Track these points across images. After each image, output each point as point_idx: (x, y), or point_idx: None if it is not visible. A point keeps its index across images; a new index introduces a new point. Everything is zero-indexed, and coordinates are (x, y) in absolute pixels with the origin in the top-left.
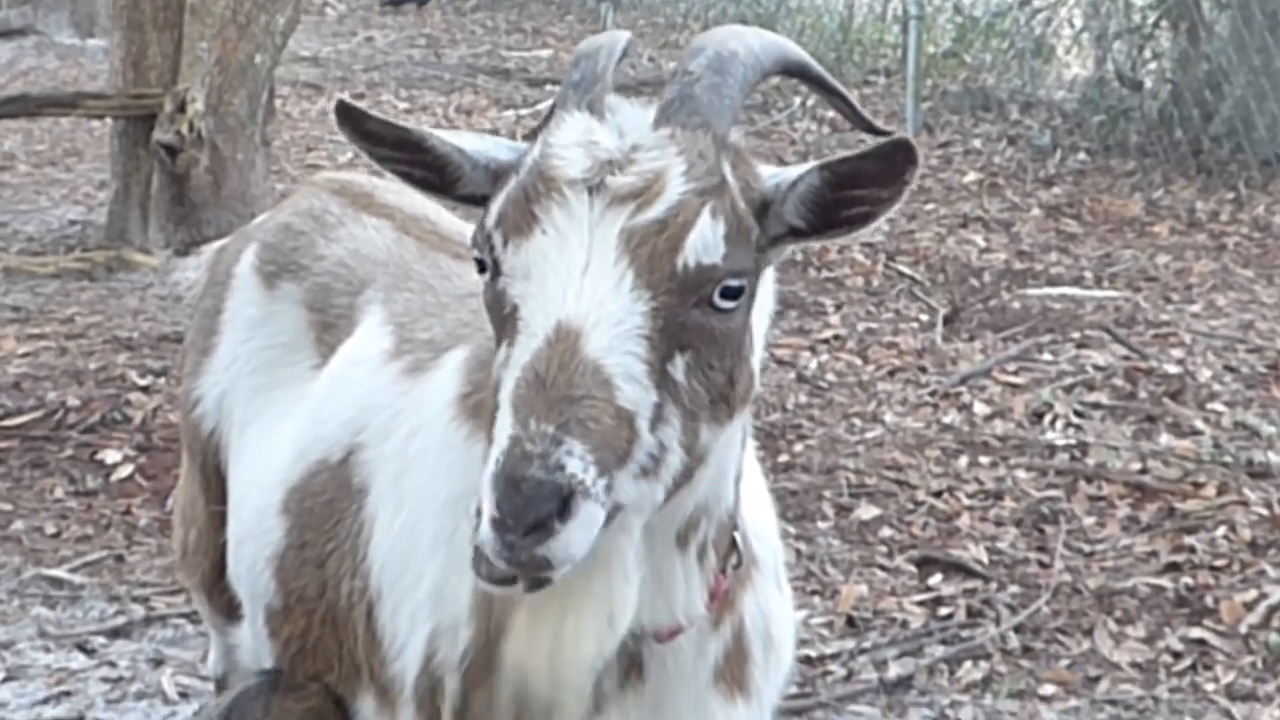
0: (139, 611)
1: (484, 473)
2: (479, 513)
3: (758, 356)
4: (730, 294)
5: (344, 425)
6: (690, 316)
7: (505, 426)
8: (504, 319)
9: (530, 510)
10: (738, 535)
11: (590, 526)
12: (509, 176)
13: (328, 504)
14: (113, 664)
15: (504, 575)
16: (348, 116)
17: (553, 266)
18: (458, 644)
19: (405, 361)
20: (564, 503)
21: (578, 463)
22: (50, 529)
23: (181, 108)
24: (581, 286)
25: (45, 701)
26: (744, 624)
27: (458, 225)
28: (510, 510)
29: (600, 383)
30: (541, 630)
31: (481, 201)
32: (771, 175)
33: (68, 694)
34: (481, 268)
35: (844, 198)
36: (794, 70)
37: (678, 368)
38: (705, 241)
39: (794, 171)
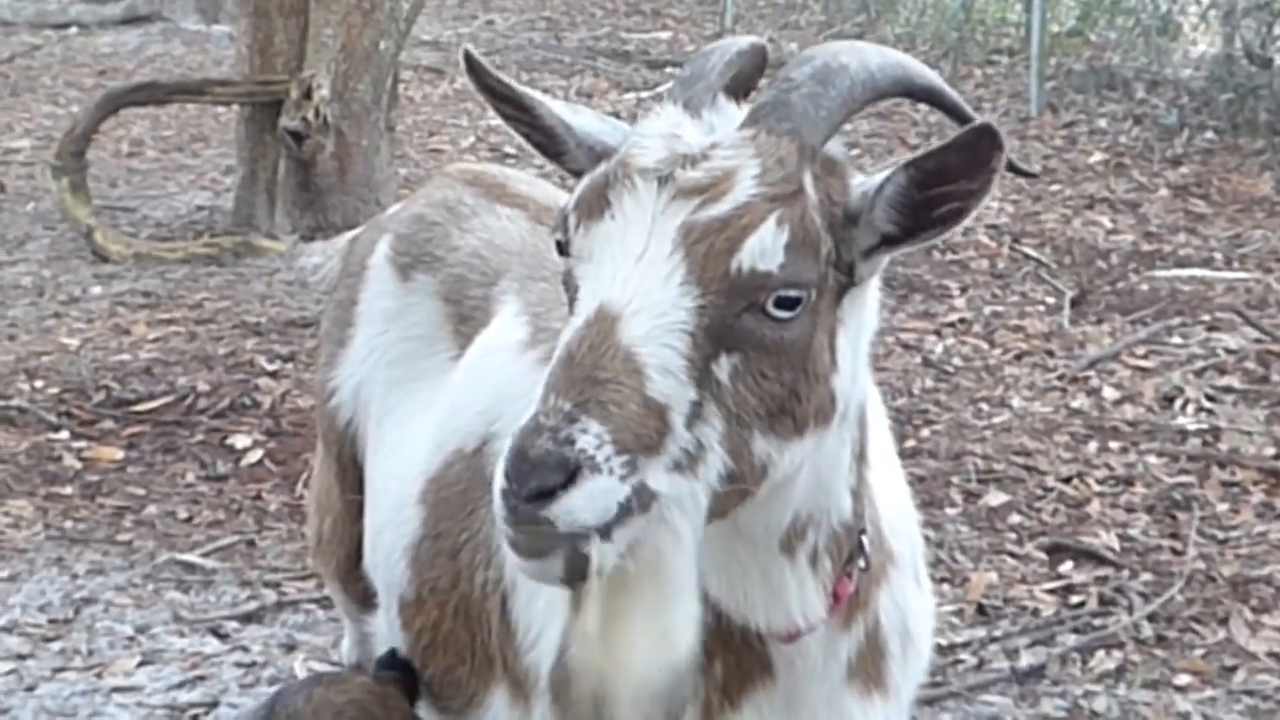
0: (271, 596)
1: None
2: None
3: (847, 375)
4: (785, 304)
5: (479, 415)
6: (741, 320)
7: (533, 404)
8: (571, 300)
9: (533, 478)
10: (865, 539)
11: (600, 497)
12: (602, 161)
13: (462, 494)
14: (245, 649)
15: (535, 550)
16: (472, 68)
17: (612, 251)
18: None
19: (541, 351)
20: (570, 476)
21: (590, 439)
22: (182, 514)
23: (307, 94)
24: (631, 273)
25: (180, 686)
26: (879, 622)
27: None
28: (515, 477)
29: (630, 370)
30: (599, 638)
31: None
32: (859, 184)
33: (202, 678)
34: (560, 249)
35: (933, 196)
36: (919, 94)
37: (723, 369)
38: (764, 247)
39: (880, 176)
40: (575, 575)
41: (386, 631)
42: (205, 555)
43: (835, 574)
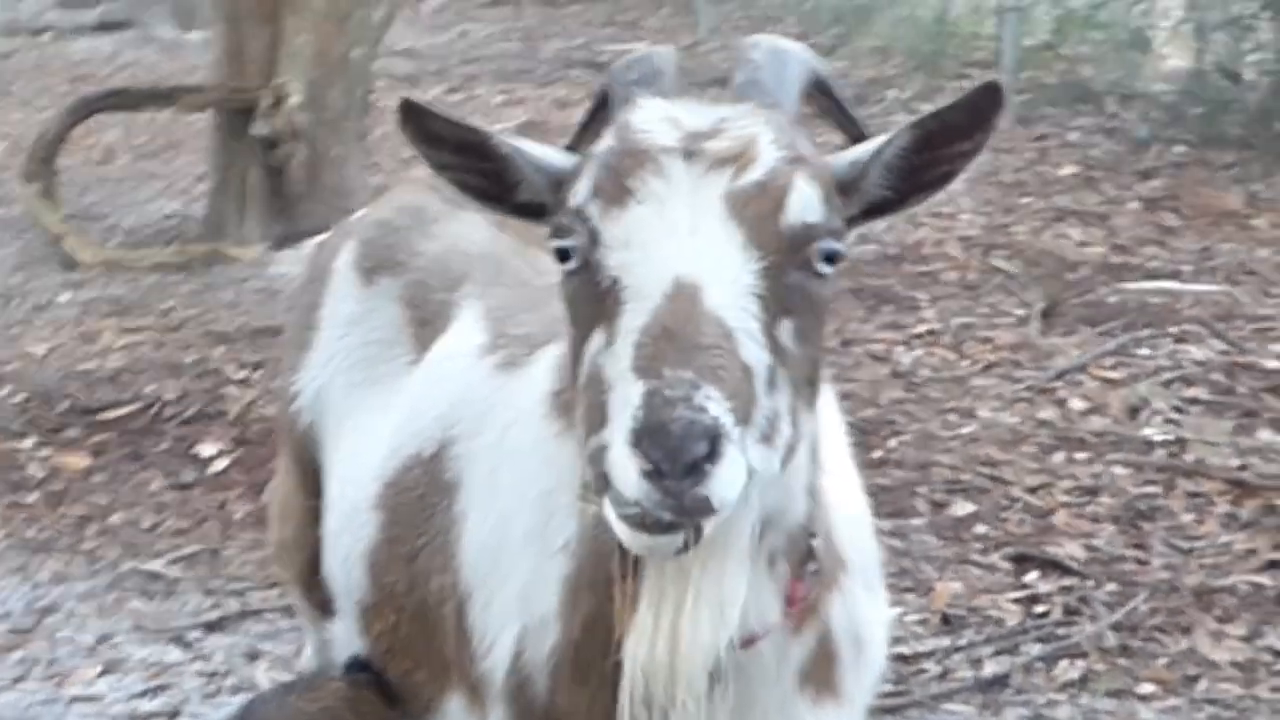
0: (234, 605)
1: (616, 438)
2: (603, 482)
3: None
4: (828, 257)
5: (438, 420)
6: (794, 279)
7: (633, 388)
8: (599, 296)
9: (686, 450)
10: (816, 543)
11: (738, 472)
12: (582, 169)
13: (420, 499)
14: (208, 658)
15: (670, 525)
16: (412, 116)
17: (658, 231)
18: (544, 642)
19: (500, 356)
20: (713, 444)
21: (718, 406)
22: (147, 522)
23: (279, 102)
24: (693, 246)
25: (142, 695)
26: (830, 627)
27: None
28: (665, 455)
29: (725, 335)
30: (662, 623)
31: (535, 211)
32: (844, 155)
33: (163, 688)
34: (563, 256)
35: (929, 158)
36: (823, 84)
37: (784, 332)
38: (806, 201)
39: (875, 142)
40: (687, 548)
41: (345, 637)
42: (169, 564)
43: (791, 577)
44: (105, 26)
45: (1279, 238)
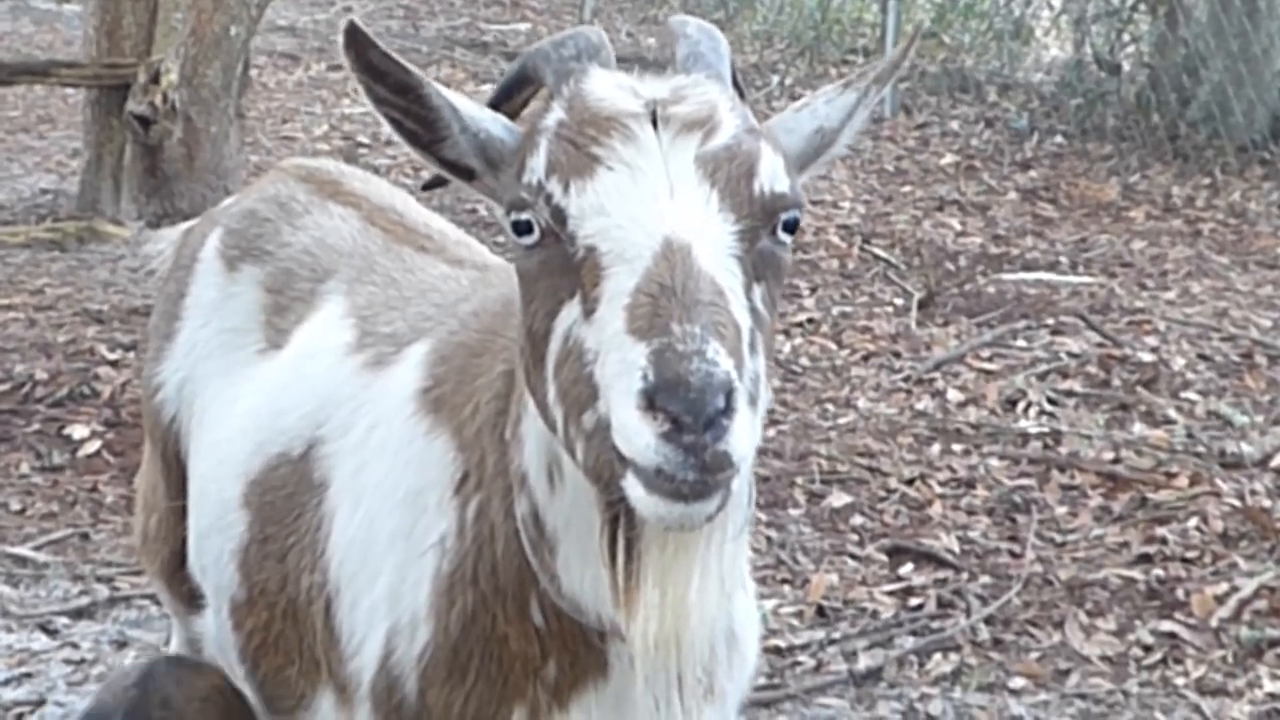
0: (103, 592)
1: (621, 404)
2: (619, 457)
3: None
4: (790, 227)
5: (305, 418)
6: (762, 245)
7: (632, 350)
8: (571, 268)
9: (706, 403)
10: None
11: (748, 426)
12: (531, 144)
13: (289, 498)
14: (75, 645)
15: (702, 489)
16: (354, 42)
17: (634, 195)
18: (415, 642)
19: (367, 355)
20: (728, 398)
21: (728, 360)
22: (15, 505)
23: (155, 78)
24: (674, 208)
25: (5, 683)
26: None
27: (424, 216)
28: (686, 408)
29: (719, 293)
30: (669, 599)
31: (461, 170)
32: (802, 125)
33: (29, 675)
34: (524, 229)
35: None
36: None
37: (756, 297)
38: (774, 169)
39: (844, 101)
40: (717, 514)
41: (216, 632)
42: (37, 548)
43: None
44: None
45: (1154, 229)
